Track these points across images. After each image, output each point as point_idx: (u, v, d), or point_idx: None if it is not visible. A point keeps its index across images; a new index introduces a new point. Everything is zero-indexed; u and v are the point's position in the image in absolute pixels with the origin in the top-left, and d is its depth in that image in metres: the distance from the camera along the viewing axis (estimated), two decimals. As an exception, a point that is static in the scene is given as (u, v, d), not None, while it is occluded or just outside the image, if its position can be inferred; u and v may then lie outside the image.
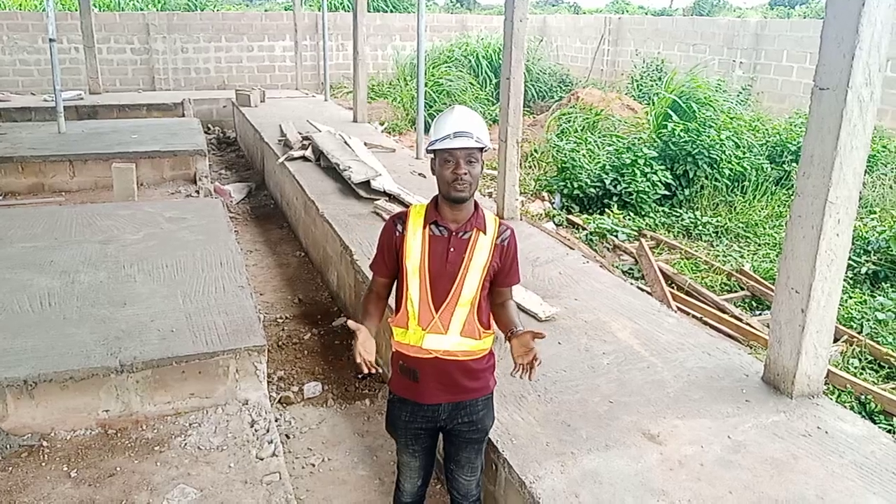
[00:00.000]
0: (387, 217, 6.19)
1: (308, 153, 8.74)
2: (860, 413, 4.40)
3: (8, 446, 3.51)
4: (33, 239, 5.57)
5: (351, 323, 2.57)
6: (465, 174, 2.48)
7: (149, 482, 3.27)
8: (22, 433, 3.56)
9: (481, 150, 2.53)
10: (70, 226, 5.92)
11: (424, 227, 2.61)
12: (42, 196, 8.26)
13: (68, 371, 3.59)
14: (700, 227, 8.22)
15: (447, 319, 2.61)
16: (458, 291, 2.59)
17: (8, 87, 15.79)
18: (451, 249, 2.58)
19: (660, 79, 14.73)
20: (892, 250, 6.79)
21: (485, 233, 2.61)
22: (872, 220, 7.78)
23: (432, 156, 2.57)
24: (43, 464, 3.41)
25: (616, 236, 7.85)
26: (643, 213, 8.62)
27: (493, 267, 2.63)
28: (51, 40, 9.46)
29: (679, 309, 5.88)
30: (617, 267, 7.09)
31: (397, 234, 2.65)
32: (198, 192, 8.45)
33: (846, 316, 5.86)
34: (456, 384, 2.68)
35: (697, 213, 8.57)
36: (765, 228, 8.23)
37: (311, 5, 21.59)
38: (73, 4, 17.24)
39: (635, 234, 8.01)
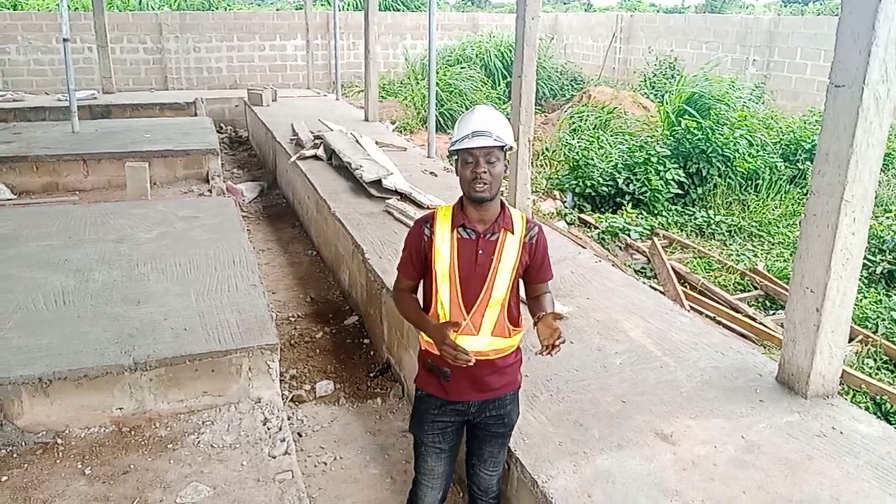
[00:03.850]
0: (398, 216, 6.23)
1: (320, 152, 8.75)
2: (875, 413, 4.36)
3: (23, 443, 3.54)
4: (48, 238, 5.61)
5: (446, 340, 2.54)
6: (485, 173, 2.47)
7: (162, 480, 3.29)
8: (37, 430, 3.59)
9: (502, 148, 2.52)
10: (84, 225, 5.96)
11: (452, 230, 2.59)
12: (56, 195, 8.32)
13: (83, 369, 3.62)
14: (713, 226, 8.18)
15: (478, 321, 2.61)
16: (489, 293, 2.58)
17: (22, 86, 15.93)
18: (480, 252, 2.57)
19: (672, 77, 14.67)
20: (907, 249, 6.74)
21: (512, 232, 2.60)
22: (888, 218, 7.72)
23: (455, 157, 2.57)
24: (57, 461, 3.43)
25: (628, 235, 7.82)
26: (656, 211, 8.58)
27: (522, 266, 2.63)
28: (64, 40, 9.51)
29: (692, 308, 5.85)
30: (629, 266, 7.06)
31: (426, 238, 2.63)
32: (210, 190, 8.49)
33: (861, 315, 5.82)
34: (486, 383, 2.69)
35: (710, 211, 8.52)
36: (779, 227, 8.17)
37: (322, 4, 21.63)
38: (87, 4, 17.36)
39: (648, 232, 7.98)
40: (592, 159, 9.22)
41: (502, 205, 2.63)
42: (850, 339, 5.37)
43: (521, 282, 2.74)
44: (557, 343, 2.46)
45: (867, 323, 5.77)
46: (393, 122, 13.43)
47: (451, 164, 2.70)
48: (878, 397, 4.72)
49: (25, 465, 3.39)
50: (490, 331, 2.62)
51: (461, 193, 2.60)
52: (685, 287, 6.51)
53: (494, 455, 2.84)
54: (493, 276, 2.57)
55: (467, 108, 2.71)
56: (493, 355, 2.66)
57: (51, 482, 3.27)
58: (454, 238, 2.59)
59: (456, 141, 2.52)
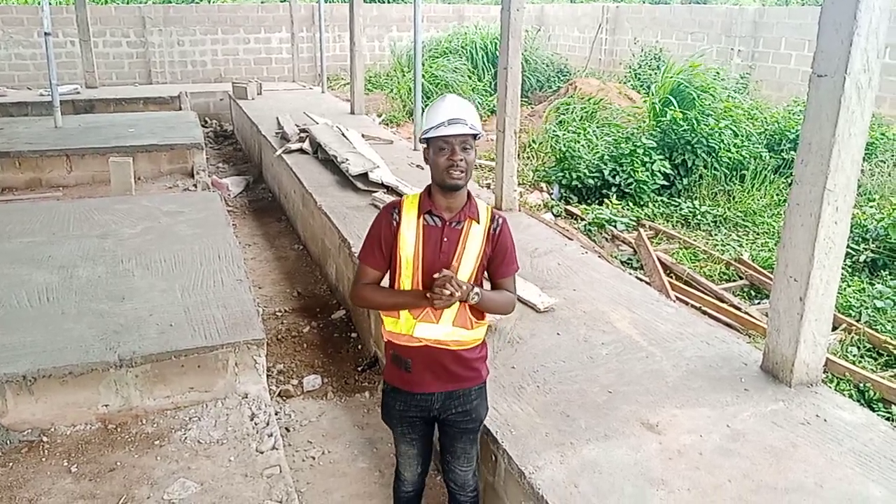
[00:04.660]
0: (384, 209, 6.21)
1: (305, 146, 8.72)
2: (859, 401, 4.40)
3: (8, 442, 3.51)
4: (31, 234, 5.56)
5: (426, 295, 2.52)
6: (461, 160, 2.49)
7: (149, 476, 3.28)
8: (22, 428, 3.56)
9: (475, 136, 2.54)
10: (68, 220, 5.90)
11: (419, 217, 2.61)
12: (39, 191, 8.25)
13: (67, 366, 3.59)
14: (698, 217, 8.21)
15: (439, 309, 2.60)
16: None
17: (4, 81, 15.72)
18: (445, 239, 2.59)
19: (658, 68, 14.68)
20: (890, 238, 6.78)
21: (478, 222, 2.62)
22: (871, 207, 7.78)
23: (425, 145, 2.58)
24: (43, 459, 3.41)
25: (614, 226, 7.84)
26: (642, 202, 8.61)
27: (486, 256, 2.64)
28: (46, 34, 9.41)
29: (678, 298, 5.88)
30: (615, 257, 7.09)
31: (394, 223, 2.64)
32: (195, 185, 8.44)
33: (845, 304, 5.86)
34: (448, 373, 2.69)
35: (696, 202, 8.56)
36: (763, 217, 8.22)
37: (307, -3, 21.48)
38: (68, -2, 17.18)
39: (634, 224, 8.01)
40: (579, 151, 9.22)
41: (469, 194, 2.65)
42: (834, 328, 5.42)
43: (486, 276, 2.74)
44: (440, 287, 2.46)
45: (851, 311, 5.82)
46: (379, 115, 13.38)
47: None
48: (861, 385, 4.76)
49: (10, 464, 3.36)
50: (451, 320, 2.63)
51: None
52: (671, 277, 6.54)
53: (467, 451, 2.86)
54: (457, 265, 2.58)
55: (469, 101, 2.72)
56: (453, 346, 2.67)
57: (36, 480, 3.25)
58: (420, 224, 2.60)
59: (430, 129, 2.53)
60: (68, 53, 16.11)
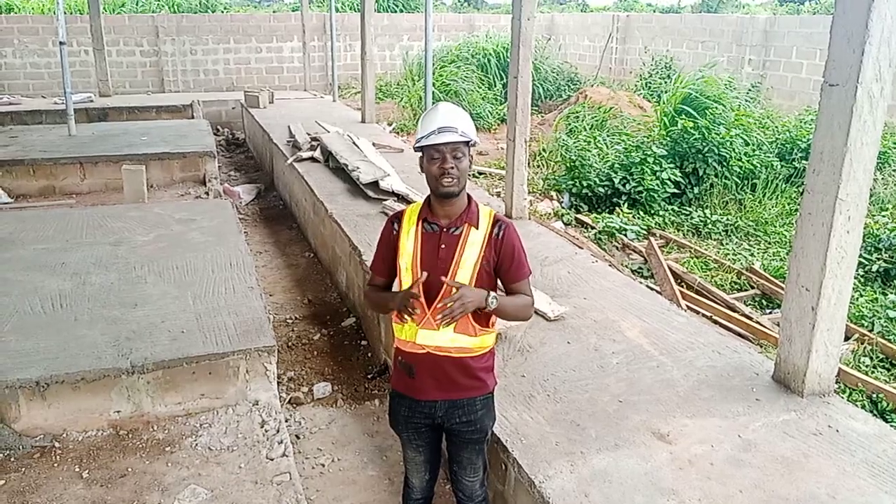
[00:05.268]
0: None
1: (317, 154, 8.76)
2: (872, 412, 4.37)
3: (20, 447, 3.53)
4: (45, 241, 5.61)
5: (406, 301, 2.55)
6: (452, 168, 2.51)
7: (160, 483, 3.29)
8: (34, 434, 3.59)
9: (467, 144, 2.55)
10: (81, 228, 5.95)
11: (417, 225, 2.64)
12: (53, 198, 8.31)
13: (80, 372, 3.61)
14: (710, 226, 8.19)
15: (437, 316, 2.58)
16: (450, 287, 2.58)
17: (19, 90, 15.91)
18: (442, 245, 2.60)
19: (668, 77, 14.68)
20: (903, 247, 6.75)
21: (477, 227, 2.62)
22: (884, 217, 7.74)
23: (420, 154, 2.60)
24: (55, 465, 3.43)
25: (625, 235, 7.82)
26: (652, 211, 8.59)
27: (487, 261, 2.62)
28: (61, 43, 9.52)
29: (689, 308, 5.86)
30: (626, 266, 7.07)
31: (394, 232, 2.70)
32: (207, 193, 8.49)
33: (857, 314, 5.83)
34: (451, 381, 2.68)
35: (707, 211, 8.53)
36: (775, 226, 8.19)
37: (319, 6, 21.63)
38: (83, 7, 17.35)
39: (644, 232, 7.99)
40: (589, 160, 9.23)
41: (469, 200, 2.66)
42: (847, 338, 5.39)
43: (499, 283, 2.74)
44: (447, 309, 2.46)
45: (863, 321, 5.78)
46: (390, 124, 13.43)
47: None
48: (874, 395, 4.73)
49: (23, 469, 3.38)
50: (452, 327, 2.62)
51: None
52: (682, 286, 6.52)
53: (472, 461, 2.84)
54: (455, 270, 2.58)
55: (463, 109, 2.73)
56: (456, 353, 2.66)
57: (48, 486, 3.27)
58: (418, 232, 2.63)
59: (421, 137, 2.55)
60: (82, 62, 16.29)
